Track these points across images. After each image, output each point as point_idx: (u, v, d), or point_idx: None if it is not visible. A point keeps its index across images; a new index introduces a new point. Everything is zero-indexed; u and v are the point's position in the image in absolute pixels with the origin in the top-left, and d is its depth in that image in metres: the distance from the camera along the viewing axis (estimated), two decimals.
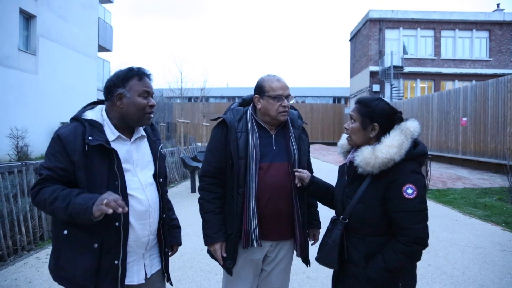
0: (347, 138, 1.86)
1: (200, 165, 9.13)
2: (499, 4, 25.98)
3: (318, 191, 2.03)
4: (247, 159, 1.97)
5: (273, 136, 2.07)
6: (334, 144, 28.48)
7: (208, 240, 2.03)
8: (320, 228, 2.28)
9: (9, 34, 12.81)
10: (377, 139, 1.75)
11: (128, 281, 1.70)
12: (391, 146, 1.65)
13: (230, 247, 2.01)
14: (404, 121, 1.77)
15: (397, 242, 1.63)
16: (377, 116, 1.74)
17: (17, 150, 11.55)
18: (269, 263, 2.11)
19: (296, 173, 1.99)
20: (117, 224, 1.62)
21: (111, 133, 1.69)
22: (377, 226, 1.70)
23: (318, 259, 1.84)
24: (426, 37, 25.01)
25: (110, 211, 1.46)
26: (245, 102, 2.19)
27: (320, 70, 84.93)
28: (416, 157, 1.70)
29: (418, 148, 1.71)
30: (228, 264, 2.02)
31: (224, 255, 2.02)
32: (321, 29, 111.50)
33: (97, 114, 1.72)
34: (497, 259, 4.31)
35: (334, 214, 1.91)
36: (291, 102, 2.09)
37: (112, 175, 1.63)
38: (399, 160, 1.64)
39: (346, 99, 39.79)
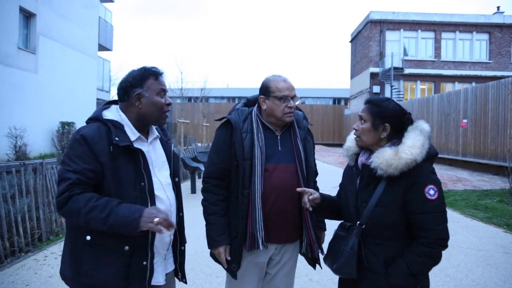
0: (356, 139, 1.81)
1: (200, 165, 9.09)
2: (499, 6, 26.00)
3: (331, 207, 1.92)
4: (253, 160, 1.94)
5: (279, 137, 2.04)
6: (334, 145, 28.49)
7: (212, 243, 2.00)
8: (325, 230, 2.24)
9: (8, 33, 12.76)
10: (388, 140, 1.73)
11: (154, 282, 1.70)
12: (413, 147, 1.62)
13: (234, 250, 1.97)
14: (414, 122, 1.75)
15: (420, 245, 1.61)
16: (388, 116, 1.72)
17: (15, 149, 11.50)
18: (273, 266, 2.08)
19: (308, 198, 1.84)
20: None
21: (132, 133, 1.68)
22: (396, 229, 1.66)
23: (337, 269, 1.73)
24: (427, 38, 25.01)
25: (164, 232, 1.48)
26: (250, 102, 2.16)
27: (320, 71, 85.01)
28: (431, 158, 1.68)
29: (432, 149, 1.69)
30: (233, 268, 1.98)
31: (229, 258, 1.98)
32: (321, 30, 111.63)
33: (115, 114, 1.70)
34: (499, 261, 4.28)
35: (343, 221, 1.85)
36: (297, 103, 2.05)
37: (138, 176, 1.62)
38: (421, 161, 1.62)
39: (346, 100, 39.79)
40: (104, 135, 1.58)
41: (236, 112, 2.07)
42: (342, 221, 1.86)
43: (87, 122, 1.68)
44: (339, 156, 19.80)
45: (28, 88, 13.72)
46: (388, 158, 1.62)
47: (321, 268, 2.20)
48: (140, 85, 1.66)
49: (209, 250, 2.08)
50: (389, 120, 1.72)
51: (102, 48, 21.23)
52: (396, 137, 1.74)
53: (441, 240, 1.61)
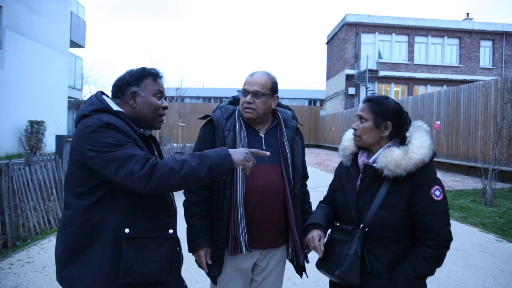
0: (355, 139, 1.75)
1: None
2: (468, 13, 27.03)
3: (332, 222, 1.85)
4: None
5: (263, 136, 1.95)
6: (310, 146, 28.71)
7: (192, 246, 1.90)
8: None
9: None
10: (389, 139, 1.70)
11: None
12: (422, 147, 1.59)
13: (216, 253, 1.88)
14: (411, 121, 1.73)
15: (425, 247, 1.58)
16: (389, 114, 1.69)
17: None
18: (259, 273, 1.98)
19: (311, 249, 1.77)
20: (172, 209, 1.60)
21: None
22: (400, 232, 1.62)
23: (339, 276, 1.62)
24: (401, 42, 25.65)
25: (248, 172, 1.50)
26: (236, 100, 2.07)
27: (296, 72, 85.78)
28: (432, 158, 1.64)
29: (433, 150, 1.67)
30: (213, 273, 1.90)
31: (210, 262, 1.88)
32: (297, 32, 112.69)
33: (116, 106, 1.56)
34: (478, 260, 4.35)
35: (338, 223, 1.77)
36: (260, 100, 1.90)
37: None
38: (428, 161, 1.59)
39: (322, 101, 40.24)
40: (126, 125, 1.47)
41: (220, 110, 2.01)
42: (337, 223, 1.78)
43: (88, 114, 1.46)
44: (316, 156, 19.95)
45: None
46: (396, 158, 1.57)
47: (307, 277, 2.13)
48: (137, 84, 1.58)
49: (191, 254, 1.96)
50: (391, 118, 1.68)
51: (74, 44, 20.51)
52: (396, 136, 1.71)
53: (447, 241, 1.59)
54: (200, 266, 1.95)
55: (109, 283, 1.41)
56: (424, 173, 1.59)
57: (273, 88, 1.95)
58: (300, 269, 2.05)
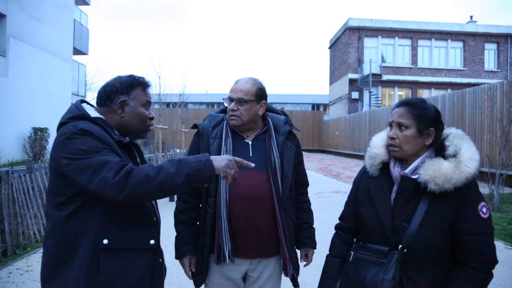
0: (393, 150, 1.54)
1: None
2: (472, 16, 26.93)
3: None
4: None
5: (250, 143, 1.90)
6: (313, 151, 28.61)
7: (177, 253, 1.93)
8: (315, 248, 2.07)
9: None
10: (427, 148, 1.54)
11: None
12: (473, 159, 1.43)
13: (200, 261, 1.88)
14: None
15: (472, 271, 1.41)
16: (432, 120, 1.51)
17: None
18: (252, 284, 1.91)
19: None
20: (155, 218, 1.55)
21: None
22: (442, 253, 1.45)
23: None
24: (404, 46, 25.57)
25: (230, 180, 1.43)
26: (227, 108, 2.02)
27: (299, 77, 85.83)
28: None
29: None
30: (196, 280, 1.91)
31: (193, 270, 1.90)
32: (300, 37, 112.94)
33: (97, 113, 1.51)
34: None
35: (363, 242, 1.61)
36: (243, 107, 1.86)
37: None
38: (477, 175, 1.43)
39: (325, 106, 40.15)
40: (103, 132, 1.42)
41: (208, 118, 2.02)
42: (361, 241, 1.62)
43: (65, 122, 1.43)
44: (319, 161, 19.82)
45: None
46: (447, 172, 1.40)
47: None
48: (127, 93, 1.53)
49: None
50: (433, 123, 1.51)
51: (77, 52, 20.61)
52: (434, 145, 1.54)
53: (493, 264, 1.43)
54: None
55: None
56: (471, 188, 1.44)
57: (259, 94, 1.91)
58: (292, 281, 1.99)
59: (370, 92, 24.23)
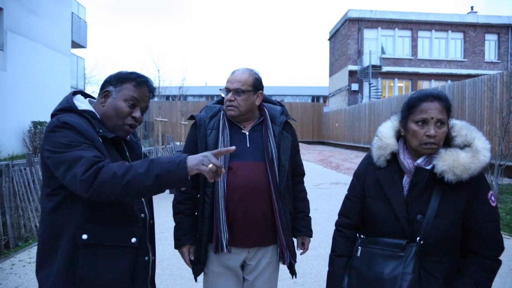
0: (430, 147, 1.46)
1: None
2: (473, 6, 26.73)
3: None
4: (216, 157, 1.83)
5: (247, 133, 1.93)
6: (313, 142, 28.64)
7: (177, 242, 1.96)
8: (311, 236, 2.10)
9: None
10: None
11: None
12: (487, 149, 1.45)
13: (199, 251, 1.91)
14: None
15: (485, 259, 1.43)
16: (451, 111, 1.50)
17: None
18: (250, 272, 1.95)
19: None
20: (142, 215, 1.51)
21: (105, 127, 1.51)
22: (455, 243, 1.47)
23: None
24: (404, 37, 25.47)
25: (215, 180, 1.30)
26: (223, 99, 2.04)
27: (299, 69, 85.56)
28: None
29: None
30: (195, 269, 1.95)
31: (192, 259, 1.93)
32: (300, 28, 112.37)
33: (87, 105, 1.50)
34: None
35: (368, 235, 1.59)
36: (241, 98, 1.88)
37: None
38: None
39: (325, 98, 40.09)
40: (89, 125, 1.40)
41: (205, 109, 2.02)
42: (369, 236, 1.60)
43: (54, 114, 1.45)
44: (319, 153, 19.85)
45: None
46: (465, 162, 1.40)
47: (295, 277, 2.08)
48: (115, 84, 1.50)
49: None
50: (451, 116, 1.51)
51: (75, 45, 20.52)
52: None
53: (502, 251, 1.46)
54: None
55: None
56: (482, 177, 1.47)
57: (255, 84, 1.92)
58: (290, 269, 2.03)
59: (370, 84, 24.18)
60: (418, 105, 1.48)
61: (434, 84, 23.92)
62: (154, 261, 1.70)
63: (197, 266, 1.94)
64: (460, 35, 25.49)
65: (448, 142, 1.50)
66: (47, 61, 16.26)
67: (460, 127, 1.53)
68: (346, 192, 1.78)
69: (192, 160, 1.28)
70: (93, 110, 1.49)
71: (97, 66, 62.38)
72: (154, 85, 1.58)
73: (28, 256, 4.29)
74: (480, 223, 1.44)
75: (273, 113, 2.00)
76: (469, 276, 1.43)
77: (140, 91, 1.51)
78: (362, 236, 1.64)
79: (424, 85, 25.19)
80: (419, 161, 1.49)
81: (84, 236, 1.36)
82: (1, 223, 4.48)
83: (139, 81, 1.51)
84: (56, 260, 1.37)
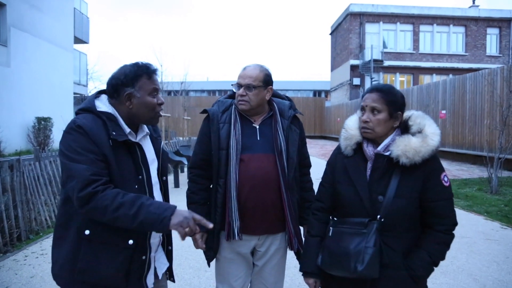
0: (366, 131, 1.68)
1: (183, 159, 8.98)
2: (474, 0, 26.61)
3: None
4: (228, 150, 1.95)
5: (258, 127, 2.03)
6: (315, 137, 28.70)
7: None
8: None
9: None
10: (395, 129, 1.71)
11: (149, 279, 1.65)
12: (435, 134, 1.62)
13: (211, 238, 2.01)
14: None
15: (437, 233, 1.62)
16: (400, 104, 1.69)
17: None
18: (260, 258, 2.07)
19: None
20: None
21: (124, 127, 1.60)
22: (412, 220, 1.64)
23: (363, 271, 1.55)
24: (405, 31, 25.41)
25: (182, 238, 1.42)
26: (234, 94, 2.14)
27: (300, 63, 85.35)
28: None
29: None
30: (207, 256, 2.06)
31: (203, 245, 2.01)
32: (301, 23, 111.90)
33: (108, 106, 1.59)
34: (482, 247, 4.40)
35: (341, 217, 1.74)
36: (252, 93, 1.98)
37: (137, 169, 1.58)
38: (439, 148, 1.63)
39: (327, 92, 40.07)
40: (101, 128, 1.50)
41: (217, 104, 2.10)
42: (339, 217, 1.76)
43: (77, 112, 1.58)
44: (321, 147, 19.95)
45: (0, 82, 13.16)
46: (415, 146, 1.58)
47: None
48: (132, 85, 1.56)
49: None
50: (401, 107, 1.69)
51: (78, 40, 20.58)
52: (399, 126, 1.71)
53: (454, 225, 1.64)
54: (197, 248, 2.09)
55: (69, 277, 1.51)
56: (435, 160, 1.62)
57: (266, 80, 2.01)
58: (298, 256, 2.13)
59: (371, 78, 24.17)
60: (364, 96, 1.72)
61: (436, 78, 23.91)
62: (170, 250, 1.84)
63: (210, 252, 2.05)
64: (461, 29, 25.42)
65: (407, 130, 1.68)
66: (50, 56, 16.34)
67: (416, 116, 1.70)
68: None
69: (175, 219, 1.40)
70: (112, 112, 1.57)
71: (99, 62, 62.24)
72: (155, 67, 1.66)
73: (40, 248, 4.43)
74: (434, 201, 1.61)
75: (282, 107, 2.10)
76: (423, 248, 1.61)
77: (154, 80, 1.62)
78: (334, 218, 1.80)
79: (426, 79, 25.17)
80: (379, 148, 1.66)
81: (87, 232, 1.48)
82: (13, 216, 4.61)
83: (149, 72, 1.60)
84: (65, 246, 1.52)
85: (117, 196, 1.40)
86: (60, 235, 1.55)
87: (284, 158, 1.98)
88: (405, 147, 1.58)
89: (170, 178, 9.84)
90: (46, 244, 4.57)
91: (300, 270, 1.85)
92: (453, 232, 1.65)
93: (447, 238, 1.63)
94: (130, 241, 1.52)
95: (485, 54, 25.30)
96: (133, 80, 1.56)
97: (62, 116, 14.97)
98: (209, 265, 2.12)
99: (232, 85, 2.07)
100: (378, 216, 1.60)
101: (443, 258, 1.64)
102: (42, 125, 14.53)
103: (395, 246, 1.61)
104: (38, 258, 4.13)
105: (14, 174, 4.72)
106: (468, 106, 12.32)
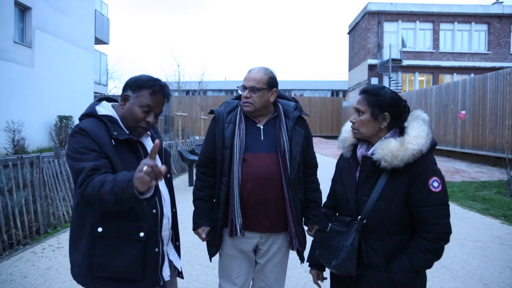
0: (353, 132, 1.74)
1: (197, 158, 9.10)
2: None
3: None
4: (232, 149, 2.01)
5: (262, 127, 2.08)
6: (332, 137, 28.48)
7: (194, 225, 2.14)
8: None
9: (4, 26, 12.63)
10: (388, 130, 1.69)
11: (165, 272, 1.72)
12: (419, 137, 1.57)
13: (214, 234, 2.08)
14: (410, 110, 1.72)
15: (422, 240, 1.57)
16: (386, 105, 1.65)
17: (13, 143, 11.46)
18: (262, 256, 2.12)
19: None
20: (154, 211, 1.65)
21: (124, 129, 1.68)
22: (398, 224, 1.61)
23: (336, 266, 1.63)
24: (425, 30, 24.91)
25: (153, 183, 1.28)
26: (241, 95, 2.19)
27: (318, 63, 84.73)
28: (433, 148, 1.63)
29: (433, 139, 1.64)
30: (210, 251, 2.13)
31: (207, 239, 2.10)
32: (319, 22, 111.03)
33: (109, 109, 1.70)
34: (496, 252, 4.30)
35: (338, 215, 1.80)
36: (256, 95, 2.03)
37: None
38: (426, 151, 1.57)
39: (344, 92, 39.71)
40: (103, 129, 1.59)
41: (224, 104, 2.17)
42: (337, 214, 1.82)
43: (80, 119, 1.68)
44: (338, 148, 19.70)
45: (25, 82, 13.63)
46: (393, 150, 1.56)
47: (303, 263, 2.22)
48: (134, 90, 1.65)
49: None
50: (388, 109, 1.65)
51: (98, 41, 21.06)
52: (395, 126, 1.69)
53: (444, 234, 1.57)
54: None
55: (88, 274, 1.59)
56: (421, 164, 1.57)
57: (270, 82, 2.06)
58: (298, 255, 2.18)
59: (389, 78, 23.82)
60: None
61: (456, 78, 23.35)
62: (178, 246, 1.90)
63: (212, 247, 2.11)
64: (484, 27, 24.73)
65: (402, 131, 1.66)
66: (72, 57, 16.79)
67: (411, 118, 1.68)
68: None
69: (136, 174, 1.29)
70: (112, 115, 1.67)
71: (119, 62, 63.47)
72: (169, 91, 1.70)
73: (57, 242, 4.61)
74: (418, 207, 1.58)
75: (287, 108, 2.14)
76: (405, 254, 1.58)
77: (154, 99, 1.65)
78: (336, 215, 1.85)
79: (446, 78, 24.62)
80: (369, 151, 1.68)
81: (100, 229, 1.56)
82: (32, 210, 4.81)
83: (155, 90, 1.64)
84: (81, 246, 1.60)
85: (104, 178, 1.43)
86: (76, 236, 1.64)
87: (287, 158, 2.02)
88: (383, 151, 1.58)
89: (185, 177, 10.00)
90: (62, 238, 4.75)
91: (306, 261, 1.94)
92: (443, 240, 1.58)
93: (433, 246, 1.56)
94: (141, 234, 1.59)
95: (509, 52, 24.52)
96: (137, 87, 1.65)
97: (78, 118, 15.44)
98: (210, 260, 2.19)
99: (237, 87, 2.13)
100: (359, 217, 1.63)
101: (427, 266, 1.60)
102: (64, 123, 14.97)
103: (378, 248, 1.61)
104: (54, 251, 4.29)
105: (34, 170, 4.92)
106: (488, 106, 12.02)
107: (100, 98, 1.78)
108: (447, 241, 1.59)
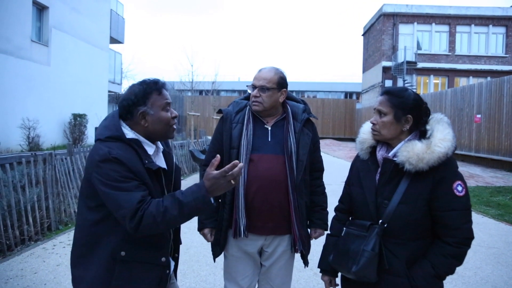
0: (373, 133, 1.69)
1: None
2: None
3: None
4: (239, 149, 2.00)
5: (270, 128, 2.06)
6: (345, 139, 28.26)
7: (200, 225, 2.13)
8: (326, 230, 2.18)
9: (21, 25, 12.88)
10: (409, 132, 1.64)
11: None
12: (445, 140, 1.54)
13: (219, 234, 2.07)
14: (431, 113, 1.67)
15: (445, 245, 1.54)
16: (410, 107, 1.61)
17: (28, 140, 11.67)
18: (267, 259, 2.10)
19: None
20: (168, 235, 1.67)
21: (149, 147, 1.61)
22: (419, 228, 1.58)
23: (356, 272, 1.57)
24: (441, 32, 24.53)
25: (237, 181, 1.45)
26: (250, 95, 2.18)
27: (332, 64, 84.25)
28: (454, 152, 1.59)
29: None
30: (214, 251, 2.12)
31: (211, 239, 2.09)
32: (334, 24, 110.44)
33: (130, 131, 1.60)
34: (510, 259, 4.19)
35: (356, 219, 1.74)
36: (265, 94, 2.01)
37: (162, 192, 1.63)
38: (450, 154, 1.54)
39: (358, 94, 39.36)
40: (135, 157, 1.52)
41: (232, 104, 2.16)
42: (353, 218, 1.77)
43: (103, 139, 1.54)
44: (350, 150, 19.63)
45: (41, 80, 13.87)
46: (419, 152, 1.52)
47: (306, 266, 2.20)
48: (144, 103, 1.57)
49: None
50: (411, 111, 1.61)
51: (113, 40, 21.32)
52: (416, 129, 1.65)
53: (468, 239, 1.54)
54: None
55: None
56: (446, 167, 1.54)
57: (280, 83, 2.04)
58: (302, 258, 2.15)
59: (404, 80, 23.52)
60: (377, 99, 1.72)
61: (472, 81, 22.93)
62: (177, 258, 1.86)
63: (216, 248, 2.11)
64: (502, 30, 24.22)
65: (423, 134, 1.62)
66: (87, 56, 17.03)
67: (433, 120, 1.63)
68: None
69: (211, 187, 1.42)
70: (138, 138, 1.58)
71: (133, 61, 64.24)
72: (163, 81, 1.66)
73: (68, 239, 4.66)
74: (442, 211, 1.54)
75: (296, 110, 2.12)
76: (427, 259, 1.55)
77: (164, 95, 1.61)
78: (350, 219, 1.80)
79: (462, 81, 24.19)
80: (390, 153, 1.64)
81: (123, 253, 1.52)
82: (44, 207, 4.88)
83: (158, 88, 1.60)
84: (93, 266, 1.52)
85: (158, 205, 1.43)
86: (84, 254, 1.56)
87: (294, 160, 2.00)
88: (408, 153, 1.54)
89: (196, 176, 10.05)
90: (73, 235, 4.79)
91: (318, 267, 1.90)
92: (466, 246, 1.55)
93: (457, 252, 1.53)
94: (163, 259, 1.59)
95: None
96: (144, 98, 1.57)
97: (97, 113, 15.64)
98: (214, 260, 2.18)
99: (247, 86, 2.12)
100: (380, 221, 1.58)
101: (450, 272, 1.56)
102: (78, 122, 15.19)
103: (398, 253, 1.57)
104: (65, 248, 4.34)
105: (46, 167, 4.99)
106: (505, 110, 11.76)
107: (107, 118, 1.67)
108: (469, 246, 1.55)
